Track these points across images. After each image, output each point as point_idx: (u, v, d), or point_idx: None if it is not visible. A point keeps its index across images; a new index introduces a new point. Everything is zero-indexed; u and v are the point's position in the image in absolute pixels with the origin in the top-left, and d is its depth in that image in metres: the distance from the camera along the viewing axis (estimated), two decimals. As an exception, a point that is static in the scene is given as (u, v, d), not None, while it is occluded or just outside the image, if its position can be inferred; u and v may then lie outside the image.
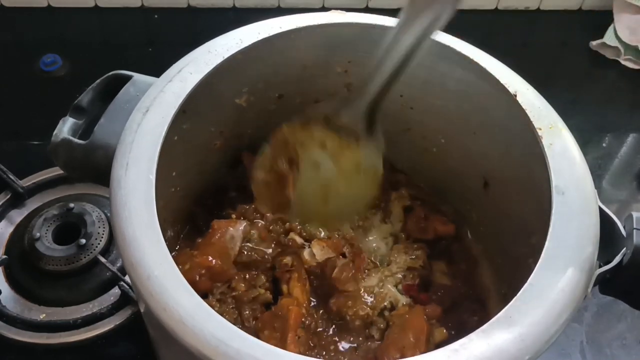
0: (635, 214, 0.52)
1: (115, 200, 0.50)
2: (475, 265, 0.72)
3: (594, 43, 1.16)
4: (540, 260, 0.49)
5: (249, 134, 0.73)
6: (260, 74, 0.67)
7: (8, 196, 0.86)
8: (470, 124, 0.68)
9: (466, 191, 0.72)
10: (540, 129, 0.57)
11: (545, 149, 0.56)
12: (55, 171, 0.87)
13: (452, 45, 0.64)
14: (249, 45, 0.62)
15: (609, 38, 1.15)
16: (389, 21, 0.66)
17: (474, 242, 0.73)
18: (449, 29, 0.66)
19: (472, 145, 0.69)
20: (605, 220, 0.53)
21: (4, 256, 0.80)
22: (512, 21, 1.22)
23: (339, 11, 0.66)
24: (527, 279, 0.48)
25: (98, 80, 0.63)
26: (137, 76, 0.62)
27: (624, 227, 0.53)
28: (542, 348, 0.46)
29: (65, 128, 0.60)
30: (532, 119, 0.58)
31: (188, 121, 0.61)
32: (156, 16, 1.16)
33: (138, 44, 1.14)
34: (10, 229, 0.83)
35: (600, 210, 0.54)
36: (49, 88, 1.03)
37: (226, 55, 0.61)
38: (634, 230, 0.51)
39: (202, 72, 0.59)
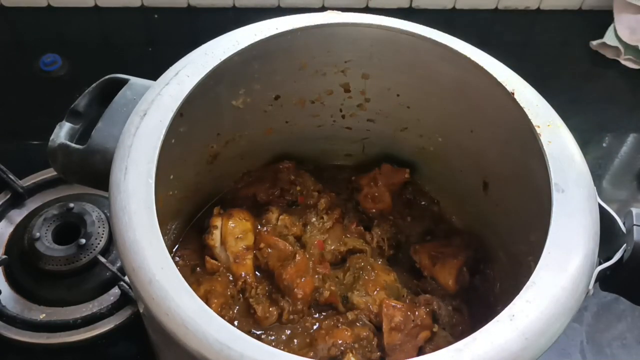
0: (634, 210, 0.52)
1: (114, 204, 0.50)
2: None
3: (594, 43, 1.16)
4: (541, 258, 0.49)
5: (245, 136, 0.73)
6: (256, 75, 0.67)
7: (8, 196, 0.86)
8: (467, 123, 0.68)
9: (465, 189, 0.72)
10: (538, 127, 0.57)
11: (544, 147, 0.56)
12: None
13: (448, 44, 0.64)
14: (246, 47, 0.62)
15: (609, 38, 1.15)
16: (385, 21, 0.66)
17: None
18: (449, 29, 0.66)
19: (470, 144, 0.69)
20: (605, 217, 0.54)
21: (4, 256, 0.80)
22: (512, 21, 1.22)
23: (335, 11, 0.66)
24: (527, 277, 0.48)
25: (94, 84, 0.63)
26: (133, 79, 0.62)
27: (624, 224, 0.53)
28: (545, 346, 0.46)
29: (62, 133, 0.60)
30: (530, 117, 0.58)
31: (185, 124, 0.61)
32: (156, 16, 1.16)
33: (138, 43, 1.14)
34: (10, 229, 0.83)
35: (600, 207, 0.54)
36: (48, 88, 1.03)
37: (223, 57, 0.61)
38: (634, 227, 0.51)
39: (199, 74, 0.59)
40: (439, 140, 0.73)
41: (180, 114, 0.58)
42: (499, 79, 0.61)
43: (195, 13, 1.17)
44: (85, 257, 0.78)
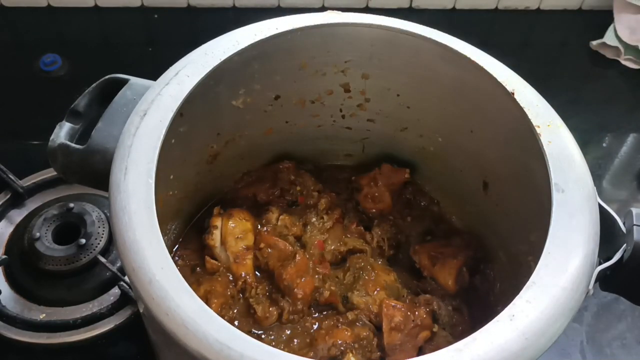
0: (634, 210, 0.52)
1: (114, 204, 0.50)
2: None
3: (594, 43, 1.16)
4: (541, 258, 0.49)
5: (245, 136, 0.73)
6: (256, 75, 0.67)
7: (8, 196, 0.86)
8: (467, 123, 0.68)
9: (465, 189, 0.72)
10: (538, 127, 0.57)
11: (544, 147, 0.56)
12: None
13: (448, 44, 0.64)
14: (246, 47, 0.62)
15: (609, 38, 1.15)
16: (385, 21, 0.66)
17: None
18: (449, 29, 0.66)
19: (470, 144, 0.69)
20: (605, 217, 0.54)
21: (4, 256, 0.80)
22: (512, 21, 1.22)
23: (335, 11, 0.66)
24: (527, 277, 0.48)
25: (94, 84, 0.63)
26: (133, 79, 0.62)
27: (624, 224, 0.53)
28: (545, 346, 0.46)
29: (62, 133, 0.60)
30: (530, 117, 0.58)
31: (185, 124, 0.61)
32: (156, 16, 1.16)
33: (138, 43, 1.14)
34: (10, 229, 0.83)
35: (600, 207, 0.54)
36: (48, 88, 1.03)
37: (223, 57, 0.61)
38: (634, 227, 0.51)
39: (199, 74, 0.59)
40: (439, 140, 0.73)
41: (180, 114, 0.58)
42: (499, 79, 0.61)
43: (195, 13, 1.17)
44: (85, 257, 0.77)
